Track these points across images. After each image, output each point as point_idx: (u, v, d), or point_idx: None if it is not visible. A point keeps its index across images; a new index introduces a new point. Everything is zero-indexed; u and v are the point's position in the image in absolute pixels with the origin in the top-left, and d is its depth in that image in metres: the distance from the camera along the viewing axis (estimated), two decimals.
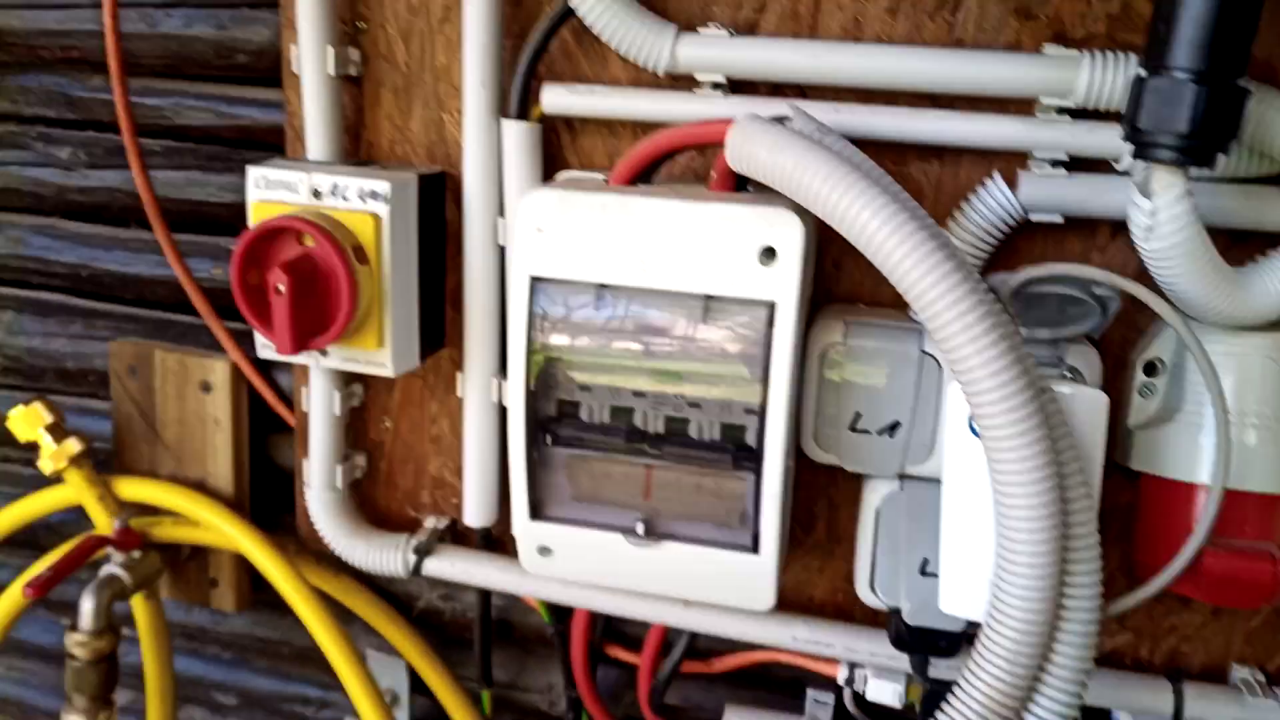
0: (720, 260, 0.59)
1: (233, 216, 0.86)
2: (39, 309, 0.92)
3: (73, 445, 0.83)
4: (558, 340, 0.63)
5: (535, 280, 0.62)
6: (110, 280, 0.89)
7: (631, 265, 0.60)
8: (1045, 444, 0.51)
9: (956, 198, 0.65)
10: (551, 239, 0.62)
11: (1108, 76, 0.58)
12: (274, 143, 0.83)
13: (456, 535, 0.82)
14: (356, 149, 0.74)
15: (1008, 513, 0.52)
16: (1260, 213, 0.60)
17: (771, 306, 0.59)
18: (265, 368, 0.87)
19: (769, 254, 0.59)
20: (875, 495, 0.68)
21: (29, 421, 0.82)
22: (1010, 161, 0.64)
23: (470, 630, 0.88)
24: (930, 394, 0.64)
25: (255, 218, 0.68)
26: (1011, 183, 0.63)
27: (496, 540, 0.80)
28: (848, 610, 0.76)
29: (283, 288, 0.64)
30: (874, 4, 0.63)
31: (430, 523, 0.81)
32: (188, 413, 0.86)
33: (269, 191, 0.68)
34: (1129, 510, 0.67)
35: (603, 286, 0.61)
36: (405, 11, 0.71)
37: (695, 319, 0.61)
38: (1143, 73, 0.52)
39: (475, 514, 0.78)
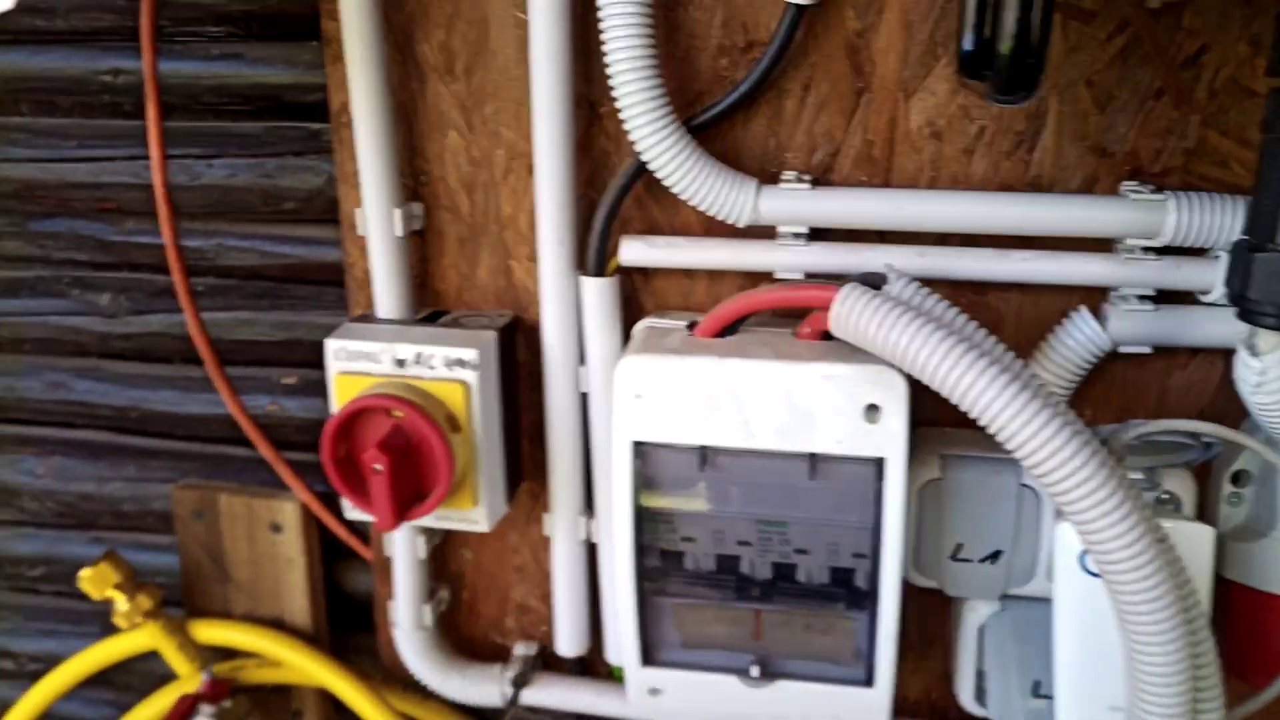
0: (824, 419, 0.60)
1: (283, 352, 0.84)
2: (89, 451, 0.90)
3: (146, 600, 0.82)
4: (662, 501, 0.64)
5: (637, 445, 0.63)
6: (160, 420, 0.88)
7: (733, 427, 0.61)
8: (1172, 595, 0.53)
9: (1038, 325, 0.66)
10: (651, 404, 0.62)
11: (1194, 219, 0.59)
12: (321, 279, 0.82)
13: (545, 659, 0.82)
14: (422, 298, 0.73)
15: (1141, 657, 0.54)
16: None
17: (880, 462, 0.60)
18: (332, 500, 0.86)
19: (874, 410, 0.59)
20: (976, 615, 0.70)
21: (99, 582, 0.81)
22: (1092, 292, 0.65)
23: None
24: (1030, 521, 0.66)
25: (338, 390, 0.67)
26: (1097, 314, 0.64)
27: (588, 662, 0.81)
28: (942, 708, 0.78)
29: (380, 467, 0.64)
30: (950, 145, 0.63)
31: (519, 650, 0.82)
32: (259, 554, 0.85)
33: (350, 363, 0.67)
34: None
35: (705, 449, 0.62)
36: (467, 164, 0.69)
37: (801, 476, 0.62)
38: (1245, 239, 0.53)
39: (569, 644, 0.78)
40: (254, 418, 0.84)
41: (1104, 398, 0.67)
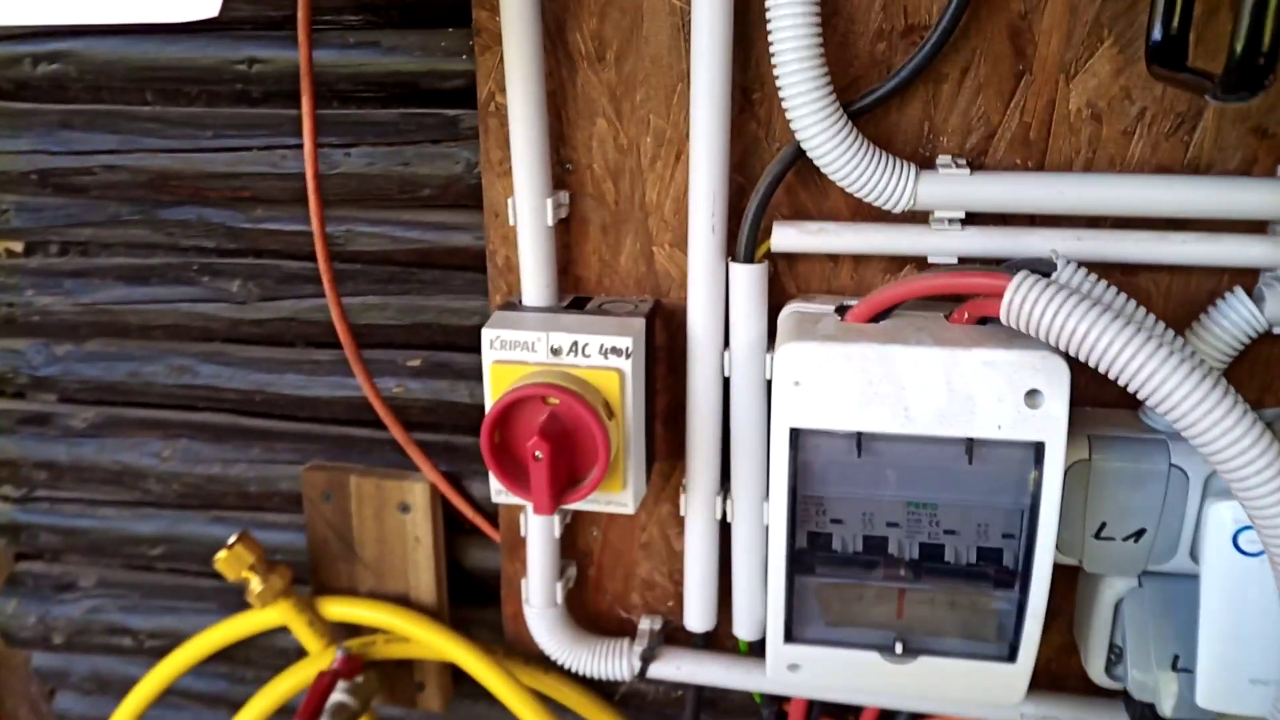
0: (985, 404, 0.61)
1: (407, 335, 0.86)
2: (213, 434, 0.92)
3: (279, 581, 0.84)
4: (817, 488, 0.65)
5: (795, 432, 0.64)
6: (285, 403, 0.89)
7: (893, 413, 0.62)
8: None
9: (1186, 305, 0.67)
10: (810, 391, 0.63)
11: None
12: (450, 264, 0.83)
13: (668, 634, 0.84)
14: (563, 283, 0.74)
15: None
16: None
17: (1040, 446, 0.61)
18: (457, 480, 0.88)
19: (1035, 395, 0.60)
20: (1111, 590, 0.71)
21: (235, 564, 0.83)
22: (1241, 272, 0.65)
23: (672, 709, 0.91)
24: (1176, 501, 0.67)
25: (493, 379, 0.68)
26: (1251, 293, 0.64)
27: (712, 636, 0.83)
28: (1061, 677, 0.79)
29: (541, 455, 0.65)
30: (1109, 127, 0.64)
31: (645, 624, 0.84)
32: (387, 532, 0.87)
33: (505, 352, 0.68)
34: None
35: (862, 434, 0.63)
36: (614, 152, 0.70)
37: (958, 460, 0.63)
38: None
39: (698, 620, 0.80)
40: (386, 399, 0.85)
41: (1247, 376, 0.68)
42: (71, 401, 0.95)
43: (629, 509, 0.71)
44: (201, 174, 0.81)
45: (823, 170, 0.63)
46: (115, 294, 0.88)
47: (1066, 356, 0.58)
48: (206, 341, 0.89)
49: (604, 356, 0.67)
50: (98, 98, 0.85)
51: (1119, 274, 0.66)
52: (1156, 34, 0.52)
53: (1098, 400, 0.69)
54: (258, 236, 0.84)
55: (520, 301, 0.73)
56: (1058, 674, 0.80)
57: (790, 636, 0.70)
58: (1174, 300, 0.67)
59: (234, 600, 0.94)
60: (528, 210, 0.69)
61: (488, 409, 0.66)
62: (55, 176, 0.85)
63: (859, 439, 0.63)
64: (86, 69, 0.82)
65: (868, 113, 0.65)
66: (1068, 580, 0.74)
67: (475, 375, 0.85)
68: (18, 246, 0.92)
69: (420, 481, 0.86)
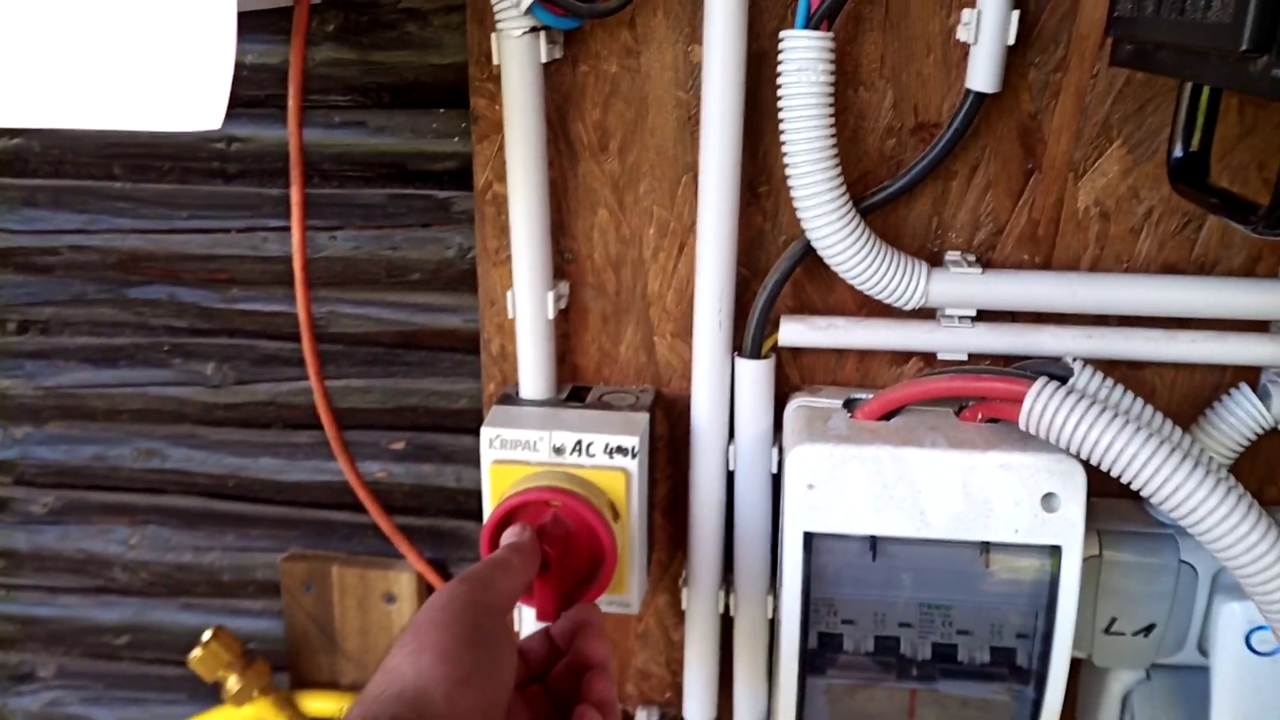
0: (1002, 508, 0.60)
1: (391, 417, 0.82)
2: (184, 519, 0.88)
3: (257, 678, 0.80)
4: (830, 590, 0.63)
5: (808, 535, 0.62)
6: (261, 487, 0.86)
7: (908, 517, 0.61)
8: None
9: (1193, 399, 0.67)
10: (823, 494, 0.61)
11: None
12: (438, 346, 0.80)
13: None
14: (561, 372, 0.72)
15: None
16: None
17: (1057, 549, 0.60)
18: (445, 567, 0.85)
19: (1052, 499, 0.59)
20: (1119, 683, 0.71)
21: (210, 663, 0.79)
22: (1245, 367, 0.65)
23: None
24: (1186, 596, 0.66)
25: (493, 480, 0.66)
26: (1255, 388, 0.64)
27: None
28: None
29: (546, 562, 0.63)
30: (1117, 225, 0.64)
31: (642, 715, 0.81)
32: (371, 623, 0.84)
33: (506, 451, 0.65)
34: None
35: (877, 539, 0.62)
36: (616, 242, 0.68)
37: (974, 563, 0.62)
38: None
39: (698, 712, 0.78)
40: (368, 484, 0.82)
41: (1249, 468, 0.68)
42: (31, 486, 0.90)
43: (633, 609, 0.69)
44: (176, 255, 0.78)
45: (834, 269, 0.62)
46: (80, 376, 0.84)
47: (1079, 458, 0.57)
48: (177, 423, 0.85)
49: (609, 456, 0.65)
50: (62, 172, 0.80)
51: (1126, 369, 0.66)
52: (1177, 151, 0.52)
53: (1104, 490, 0.69)
54: (233, 317, 0.81)
55: (518, 393, 0.70)
56: None
57: None
58: (1179, 396, 0.67)
59: (204, 690, 0.89)
60: (528, 303, 0.67)
61: (487, 511, 0.64)
62: (17, 255, 0.80)
63: (874, 542, 0.62)
64: (50, 143, 0.78)
65: (878, 209, 0.64)
66: (1072, 672, 0.73)
67: (462, 458, 0.82)
68: None
69: (406, 570, 0.82)
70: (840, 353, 0.69)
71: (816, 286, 0.67)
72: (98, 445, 0.86)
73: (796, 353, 0.69)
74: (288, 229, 0.73)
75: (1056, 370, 0.60)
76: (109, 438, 0.86)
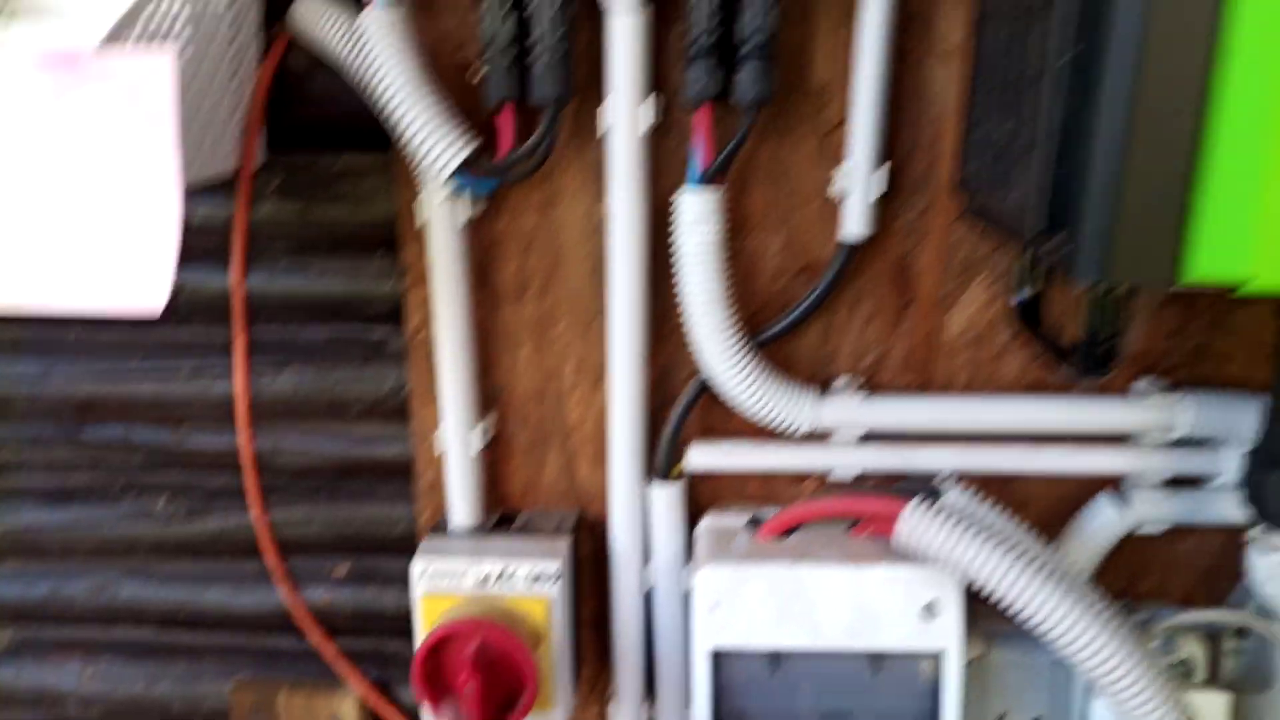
0: (888, 618, 0.65)
1: (334, 544, 0.86)
2: (135, 652, 0.90)
3: None
4: (738, 703, 0.68)
5: (715, 654, 0.67)
6: (211, 617, 0.89)
7: (805, 629, 0.66)
8: None
9: (1059, 507, 0.73)
10: (728, 612, 0.66)
11: (1203, 416, 0.67)
12: (377, 474, 0.85)
13: None
14: (490, 499, 0.77)
15: None
16: None
17: (938, 656, 0.65)
18: (389, 687, 0.87)
19: (932, 607, 0.65)
20: None
21: None
22: (1107, 479, 0.72)
23: None
24: (1063, 690, 0.71)
25: (424, 611, 0.70)
26: (1116, 496, 0.70)
27: None
28: None
29: (471, 689, 0.67)
30: (984, 350, 0.71)
31: None
32: None
33: (435, 581, 0.70)
34: None
35: (778, 652, 0.66)
36: (537, 377, 0.74)
37: (865, 671, 0.67)
38: (1261, 450, 0.60)
39: None
40: (313, 610, 0.85)
41: (1113, 571, 0.74)
42: None
43: None
44: (129, 398, 0.83)
45: (724, 399, 0.69)
46: (36, 516, 0.87)
47: None
48: (129, 557, 0.89)
49: (531, 583, 0.69)
50: (18, 321, 0.85)
51: (1000, 483, 0.72)
52: (1018, 296, 0.59)
53: None
54: (184, 454, 0.85)
55: (447, 523, 0.75)
56: None
57: None
58: (1048, 506, 0.73)
59: None
60: (455, 439, 0.72)
61: (417, 642, 0.68)
62: None
63: (775, 656, 0.67)
64: None
65: (771, 342, 0.70)
66: None
67: (402, 582, 0.86)
68: None
69: (350, 696, 0.85)
70: (743, 476, 0.75)
71: (721, 414, 0.73)
72: (52, 581, 0.89)
73: (706, 475, 0.75)
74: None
75: (931, 488, 0.66)
76: (64, 573, 0.89)
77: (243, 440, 0.76)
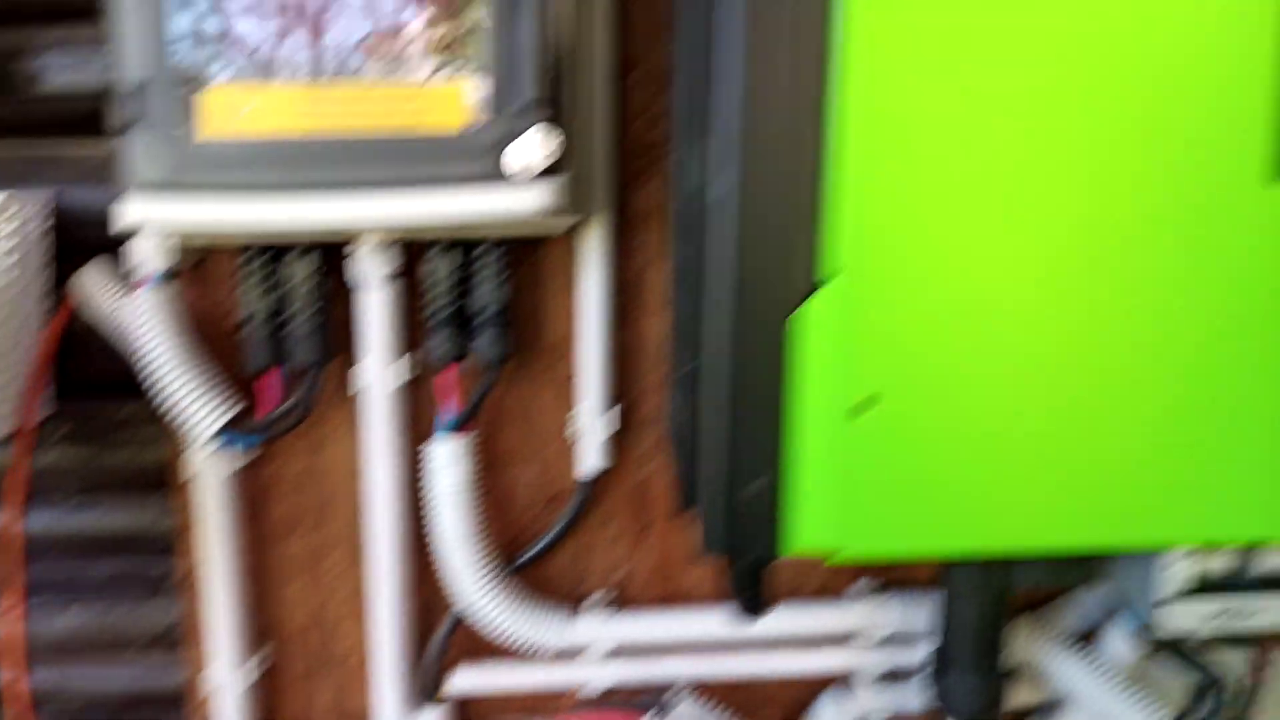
0: None
1: None
2: None
3: None
4: None
5: None
6: None
7: None
8: None
9: (794, 707, 0.80)
10: None
11: (908, 614, 0.76)
12: (160, 708, 0.86)
13: None
14: None
15: None
16: None
17: None
18: None
19: None
20: None
21: None
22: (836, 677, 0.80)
23: None
24: None
25: None
26: (842, 691, 0.79)
27: None
28: None
29: None
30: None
31: None
32: None
33: None
34: None
35: None
36: (312, 610, 0.79)
37: None
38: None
39: None
40: None
41: None
42: None
43: None
44: None
45: (478, 629, 0.74)
46: None
47: None
48: None
49: None
50: None
51: (742, 688, 0.80)
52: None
53: None
54: None
55: None
56: None
57: None
58: (786, 704, 0.81)
59: None
60: (227, 674, 0.75)
61: None
62: None
63: None
64: None
65: (528, 566, 0.77)
66: None
67: None
68: None
69: None
70: (506, 698, 0.80)
71: (483, 640, 0.79)
72: None
73: (472, 696, 0.80)
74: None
75: (662, 702, 0.72)
76: None
77: (22, 685, 0.77)
